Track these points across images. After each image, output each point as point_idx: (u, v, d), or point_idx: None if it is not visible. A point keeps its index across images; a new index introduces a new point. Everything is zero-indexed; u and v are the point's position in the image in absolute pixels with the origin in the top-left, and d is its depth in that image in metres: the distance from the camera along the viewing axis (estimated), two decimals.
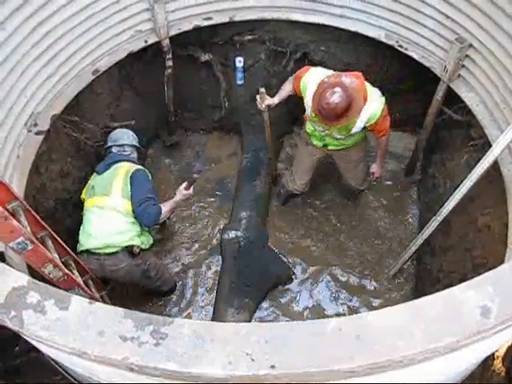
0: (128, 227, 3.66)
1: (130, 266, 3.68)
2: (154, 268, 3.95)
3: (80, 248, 3.68)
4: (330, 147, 4.14)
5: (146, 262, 3.83)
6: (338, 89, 3.25)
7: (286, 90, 3.95)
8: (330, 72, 3.56)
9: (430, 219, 3.75)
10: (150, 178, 3.96)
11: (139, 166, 3.92)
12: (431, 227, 3.74)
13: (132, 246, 3.65)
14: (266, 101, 3.98)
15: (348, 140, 3.96)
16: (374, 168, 4.29)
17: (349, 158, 4.28)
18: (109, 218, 3.64)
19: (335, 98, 3.24)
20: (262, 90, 3.92)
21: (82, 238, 3.70)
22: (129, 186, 3.68)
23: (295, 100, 4.00)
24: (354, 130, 3.70)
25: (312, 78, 3.57)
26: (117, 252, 3.61)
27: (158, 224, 4.16)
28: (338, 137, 3.87)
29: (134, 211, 3.66)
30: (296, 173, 4.61)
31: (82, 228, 3.74)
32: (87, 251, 3.63)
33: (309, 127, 4.07)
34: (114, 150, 4.12)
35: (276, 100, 4.01)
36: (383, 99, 3.58)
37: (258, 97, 4.00)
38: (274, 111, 4.22)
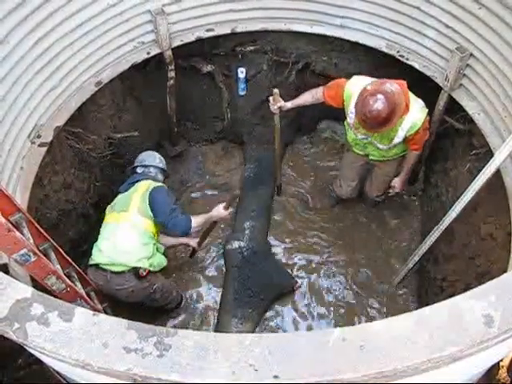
0: (138, 248, 3.59)
1: (135, 287, 3.62)
2: (161, 291, 3.90)
3: (90, 261, 3.66)
4: (371, 157, 4.15)
5: (153, 285, 3.76)
6: (380, 96, 3.23)
7: (303, 98, 3.96)
8: (373, 79, 3.54)
9: (433, 228, 3.75)
10: (170, 193, 3.92)
11: (159, 183, 3.87)
12: (434, 236, 3.75)
13: (139, 268, 3.58)
14: (278, 102, 3.97)
15: (389, 152, 3.96)
16: (397, 182, 4.26)
17: (384, 170, 4.31)
18: (121, 236, 3.60)
19: (378, 105, 3.22)
20: (276, 90, 3.92)
21: (93, 251, 3.67)
22: (147, 204, 3.63)
23: (300, 110, 4.01)
24: (395, 140, 3.69)
25: (357, 86, 3.56)
26: (123, 272, 3.55)
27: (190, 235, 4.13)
28: (380, 146, 3.86)
29: (165, 227, 3.67)
30: (342, 179, 4.65)
31: (96, 243, 3.71)
32: (96, 266, 3.61)
33: (350, 135, 4.06)
34: (138, 170, 4.12)
35: (289, 105, 4.02)
36: (426, 110, 3.58)
37: (270, 98, 4.00)
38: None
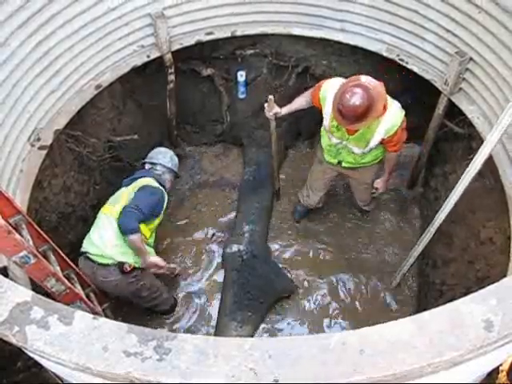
0: (123, 243, 3.59)
1: (120, 281, 3.63)
2: (149, 289, 3.90)
3: (81, 249, 3.69)
4: (344, 164, 4.06)
5: (140, 282, 3.76)
6: (358, 90, 3.19)
7: (298, 103, 3.93)
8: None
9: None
10: (163, 201, 3.84)
11: (155, 184, 3.81)
12: (429, 234, 3.68)
13: (124, 263, 3.60)
14: (273, 109, 3.97)
15: (364, 157, 3.90)
16: (379, 183, 4.21)
17: (360, 179, 4.28)
18: (109, 228, 3.62)
19: (356, 97, 3.18)
20: (271, 97, 3.91)
21: (84, 240, 3.72)
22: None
23: (298, 114, 4.01)
24: (371, 143, 3.64)
25: (332, 85, 3.53)
26: (108, 264, 3.57)
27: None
28: (356, 151, 3.79)
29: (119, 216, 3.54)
30: (310, 189, 4.61)
31: (89, 232, 3.75)
32: (85, 256, 3.63)
33: (324, 141, 4.00)
34: (146, 166, 4.13)
35: (284, 110, 3.97)
36: (403, 111, 3.54)
37: (266, 104, 3.98)
38: (277, 125, 4.22)
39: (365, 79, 3.28)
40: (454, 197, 3.29)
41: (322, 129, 3.97)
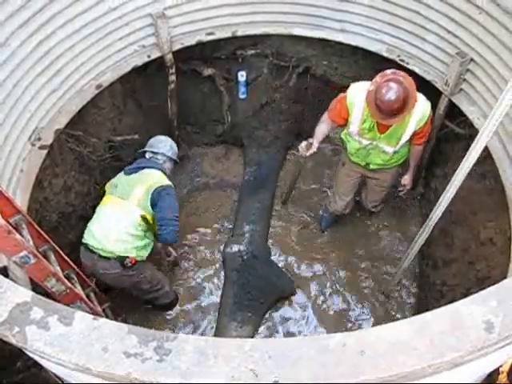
0: (129, 238, 3.61)
1: (120, 274, 3.65)
2: (150, 282, 3.92)
3: (82, 240, 3.69)
4: (371, 166, 4.09)
5: (141, 274, 3.78)
6: (393, 83, 3.27)
7: (321, 131, 3.93)
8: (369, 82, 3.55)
9: (432, 232, 3.72)
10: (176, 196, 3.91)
11: (168, 182, 3.81)
12: (427, 229, 3.55)
13: (126, 257, 3.60)
14: (311, 150, 3.95)
15: (393, 157, 3.93)
16: (406, 179, 4.22)
17: (382, 182, 4.29)
18: (115, 222, 3.62)
19: (393, 91, 3.25)
20: (311, 140, 3.92)
21: (86, 231, 3.71)
22: (149, 200, 3.63)
23: (299, 114, 4.00)
24: (403, 139, 3.68)
25: (357, 89, 3.61)
26: (109, 258, 3.58)
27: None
28: (387, 149, 3.82)
29: (158, 226, 3.62)
30: (336, 194, 4.57)
31: (90, 221, 3.75)
32: (86, 246, 3.64)
33: (352, 146, 3.99)
34: (147, 155, 4.09)
35: (317, 145, 3.95)
36: (428, 101, 3.58)
37: (303, 145, 3.97)
38: (278, 126, 4.23)
39: (393, 72, 3.37)
40: (451, 189, 3.24)
41: (344, 137, 4.04)
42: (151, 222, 3.70)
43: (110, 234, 3.60)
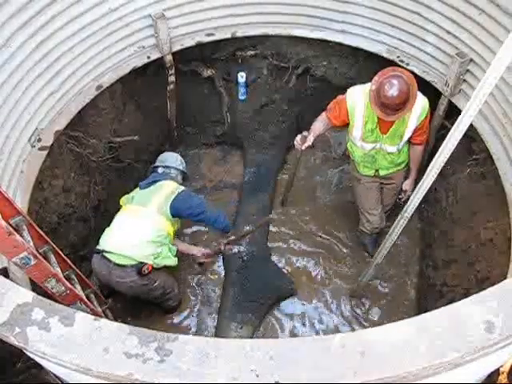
0: (147, 244, 3.61)
1: (135, 283, 3.63)
2: (162, 288, 3.92)
3: (97, 247, 3.68)
4: (381, 172, 4.10)
5: (154, 281, 3.77)
6: (394, 79, 3.32)
7: (318, 128, 3.94)
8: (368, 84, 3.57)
9: (432, 232, 3.73)
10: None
11: (183, 187, 3.93)
12: (403, 220, 3.43)
13: (143, 265, 3.59)
14: (306, 143, 3.97)
15: (398, 157, 3.94)
16: (407, 184, 4.20)
17: (392, 185, 4.29)
18: (134, 228, 3.64)
19: (396, 86, 3.31)
20: (305, 133, 3.95)
21: (102, 237, 3.71)
22: (169, 205, 3.69)
23: (299, 114, 4.00)
24: (405, 136, 3.70)
25: (356, 92, 3.64)
26: (126, 265, 3.57)
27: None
28: (390, 149, 3.83)
29: (211, 224, 4.01)
30: (365, 211, 4.46)
31: (107, 229, 3.75)
32: (102, 254, 3.62)
33: (357, 153, 4.01)
34: (159, 170, 4.16)
35: (312, 139, 3.96)
36: (425, 97, 3.62)
37: (298, 138, 4.00)
38: (278, 127, 4.22)
39: (392, 69, 3.44)
40: (431, 174, 3.14)
41: (349, 147, 4.06)
42: (170, 227, 3.75)
43: (130, 239, 3.60)
